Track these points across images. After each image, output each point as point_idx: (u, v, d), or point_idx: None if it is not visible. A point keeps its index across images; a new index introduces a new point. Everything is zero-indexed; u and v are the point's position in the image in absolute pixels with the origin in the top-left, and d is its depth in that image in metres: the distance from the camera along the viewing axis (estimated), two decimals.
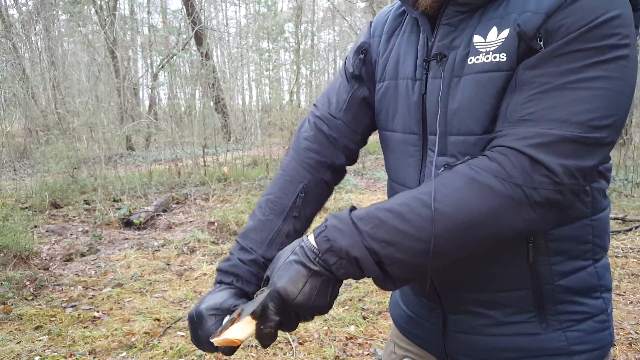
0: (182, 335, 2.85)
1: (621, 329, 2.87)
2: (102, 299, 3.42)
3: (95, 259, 4.32)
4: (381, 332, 2.89)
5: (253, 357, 2.60)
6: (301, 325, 3.12)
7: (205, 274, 3.94)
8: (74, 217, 5.78)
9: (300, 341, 2.78)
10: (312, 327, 2.92)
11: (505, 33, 0.69)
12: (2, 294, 3.35)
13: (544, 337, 0.77)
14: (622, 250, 4.32)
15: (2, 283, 3.50)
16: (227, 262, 0.87)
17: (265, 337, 0.70)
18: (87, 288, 3.65)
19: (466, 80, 0.73)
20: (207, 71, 9.76)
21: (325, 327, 2.94)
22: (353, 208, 0.72)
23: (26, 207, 5.93)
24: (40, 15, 12.52)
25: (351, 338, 2.82)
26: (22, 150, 10.69)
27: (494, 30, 0.71)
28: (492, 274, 0.78)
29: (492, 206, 0.63)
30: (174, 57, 10.47)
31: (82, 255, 4.42)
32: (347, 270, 0.68)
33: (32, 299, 3.41)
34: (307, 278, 0.69)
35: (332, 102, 0.97)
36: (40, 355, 2.61)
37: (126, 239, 4.97)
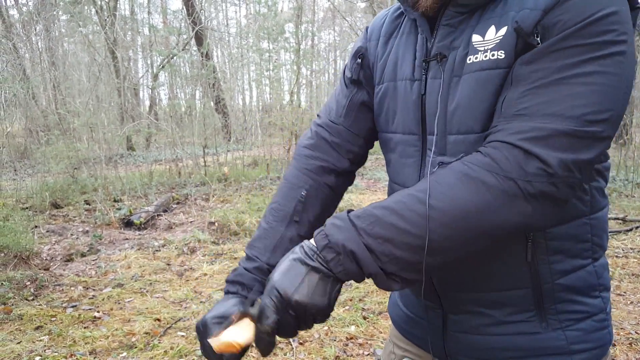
0: (183, 336, 2.86)
1: (621, 329, 2.87)
2: (103, 299, 3.42)
3: (96, 259, 4.33)
4: (381, 332, 2.89)
5: (254, 357, 2.60)
6: None
7: (205, 274, 3.94)
8: (75, 217, 5.79)
9: (301, 341, 2.78)
10: (312, 327, 2.92)
11: (503, 31, 0.70)
12: (2, 294, 3.36)
13: (543, 337, 0.77)
14: (623, 250, 4.32)
15: (2, 283, 3.51)
16: (234, 272, 0.89)
17: (263, 341, 0.70)
18: (87, 288, 3.65)
19: (465, 79, 0.73)
20: (208, 71, 9.76)
21: (326, 327, 2.94)
22: (351, 210, 0.73)
23: (27, 208, 5.94)
24: (40, 15, 12.53)
25: (351, 338, 2.82)
26: (23, 151, 10.69)
27: (492, 28, 0.71)
28: (492, 274, 0.78)
29: (486, 201, 0.63)
30: (175, 58, 10.48)
31: (83, 255, 4.43)
32: (345, 267, 0.68)
33: (33, 299, 3.41)
34: (305, 274, 0.69)
35: (332, 109, 0.98)
36: (41, 356, 2.61)
37: (126, 239, 4.97)
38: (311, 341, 2.78)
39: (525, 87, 0.66)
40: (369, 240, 0.67)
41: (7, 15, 12.05)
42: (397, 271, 0.68)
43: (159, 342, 2.77)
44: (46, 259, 4.27)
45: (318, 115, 1.02)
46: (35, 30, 13.07)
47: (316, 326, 2.94)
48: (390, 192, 0.93)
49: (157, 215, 5.71)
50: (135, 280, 3.79)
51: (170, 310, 3.23)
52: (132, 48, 17.96)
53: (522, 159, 0.63)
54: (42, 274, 3.81)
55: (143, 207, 6.04)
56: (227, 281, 0.88)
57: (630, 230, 4.85)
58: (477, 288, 0.80)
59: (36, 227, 5.13)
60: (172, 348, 2.69)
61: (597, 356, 0.78)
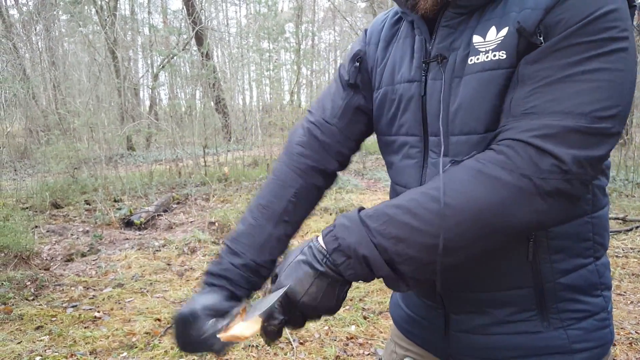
0: None
1: (622, 328, 2.87)
2: (103, 299, 3.42)
3: (96, 259, 4.33)
4: (382, 332, 2.89)
5: (254, 357, 2.60)
6: None
7: None
8: (75, 217, 5.79)
9: (301, 341, 2.78)
10: (312, 327, 2.93)
11: (504, 31, 0.70)
12: (3, 294, 3.36)
13: (545, 336, 0.77)
14: (623, 250, 4.32)
15: (3, 283, 3.51)
16: (218, 265, 0.87)
17: (270, 335, 0.71)
18: (87, 288, 3.65)
19: (467, 80, 0.73)
20: (208, 71, 9.76)
21: (326, 327, 2.94)
22: (362, 208, 0.72)
23: (27, 208, 5.94)
24: (40, 15, 12.53)
25: (352, 338, 2.82)
26: (23, 151, 10.70)
27: (493, 29, 0.71)
28: (494, 273, 0.78)
29: (501, 198, 0.63)
30: (175, 57, 10.47)
31: (83, 255, 4.43)
32: (356, 271, 0.68)
33: (33, 299, 3.41)
34: (314, 279, 0.68)
35: (326, 108, 0.97)
36: (41, 355, 2.61)
37: (127, 239, 4.97)
38: (311, 341, 2.79)
39: (531, 87, 0.66)
40: (382, 241, 0.66)
41: (7, 15, 12.05)
42: (411, 272, 0.67)
43: (160, 342, 2.77)
44: (46, 259, 4.27)
45: (310, 111, 1.00)
46: (36, 30, 13.08)
47: (317, 326, 2.94)
48: (393, 194, 0.92)
49: (158, 215, 5.71)
50: (136, 280, 3.79)
51: (170, 310, 3.23)
52: (132, 48, 17.97)
53: (535, 156, 0.62)
54: (43, 274, 3.81)
55: (143, 207, 6.04)
56: (212, 273, 0.86)
57: (631, 230, 4.85)
58: (479, 288, 0.80)
59: (36, 227, 5.13)
60: (172, 348, 2.68)
61: (598, 355, 0.78)
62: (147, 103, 16.74)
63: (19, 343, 2.75)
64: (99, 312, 3.21)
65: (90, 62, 12.72)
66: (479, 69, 0.72)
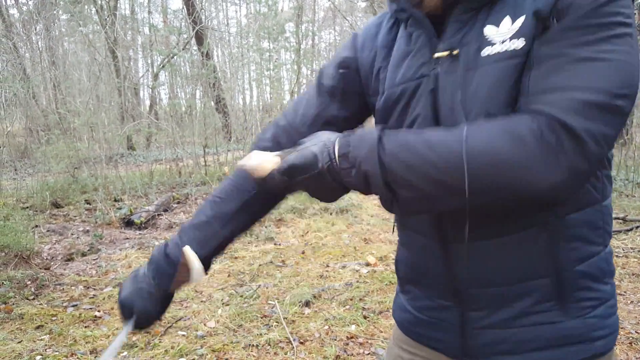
0: (183, 335, 2.86)
1: (622, 328, 2.87)
2: (103, 299, 3.42)
3: (96, 259, 4.33)
4: (382, 332, 2.89)
5: (254, 356, 2.61)
6: (302, 324, 3.10)
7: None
8: (75, 216, 5.79)
9: (301, 340, 2.78)
10: (312, 327, 2.93)
11: (521, 19, 0.70)
12: (3, 294, 3.36)
13: (566, 325, 0.77)
14: (623, 250, 4.32)
15: (3, 283, 3.51)
16: (166, 249, 0.95)
17: (273, 185, 0.78)
18: (88, 287, 3.66)
19: (482, 71, 0.73)
20: (208, 71, 9.75)
21: (326, 327, 2.94)
22: (387, 128, 0.74)
23: (27, 207, 5.94)
24: (40, 14, 12.54)
25: (352, 337, 2.83)
26: (23, 150, 10.70)
27: (507, 19, 0.72)
28: (512, 265, 0.78)
29: (521, 157, 0.63)
30: (175, 57, 10.47)
31: (83, 254, 4.43)
32: (353, 180, 0.71)
33: (33, 299, 3.42)
34: (311, 173, 0.74)
35: (298, 113, 0.96)
36: (42, 355, 2.62)
37: (127, 238, 4.98)
38: (312, 340, 2.79)
39: (547, 67, 0.67)
40: (391, 162, 0.68)
41: (7, 15, 12.05)
42: (409, 198, 0.70)
43: (160, 342, 2.77)
44: (47, 259, 4.27)
45: (284, 114, 1.00)
46: (36, 29, 13.08)
47: (317, 326, 2.94)
48: None
49: (158, 214, 5.71)
50: None
51: (170, 309, 3.21)
52: (133, 47, 17.97)
53: (558, 128, 0.63)
54: (43, 274, 3.81)
55: (143, 206, 6.04)
56: (152, 258, 0.96)
57: (631, 229, 4.85)
58: (498, 281, 0.79)
59: (37, 226, 5.14)
60: (172, 347, 2.69)
61: (611, 342, 0.80)
62: (147, 103, 16.76)
63: (19, 342, 2.75)
64: (99, 311, 3.21)
65: (91, 61, 12.72)
66: (495, 60, 0.72)
